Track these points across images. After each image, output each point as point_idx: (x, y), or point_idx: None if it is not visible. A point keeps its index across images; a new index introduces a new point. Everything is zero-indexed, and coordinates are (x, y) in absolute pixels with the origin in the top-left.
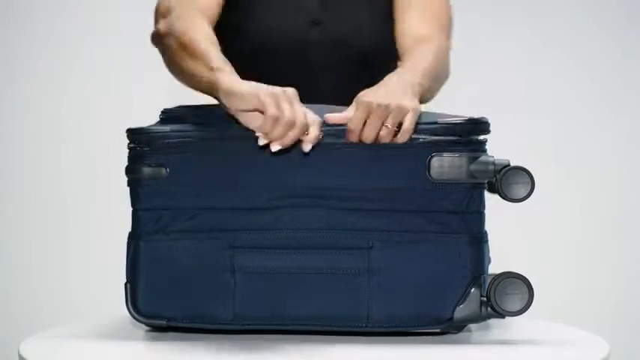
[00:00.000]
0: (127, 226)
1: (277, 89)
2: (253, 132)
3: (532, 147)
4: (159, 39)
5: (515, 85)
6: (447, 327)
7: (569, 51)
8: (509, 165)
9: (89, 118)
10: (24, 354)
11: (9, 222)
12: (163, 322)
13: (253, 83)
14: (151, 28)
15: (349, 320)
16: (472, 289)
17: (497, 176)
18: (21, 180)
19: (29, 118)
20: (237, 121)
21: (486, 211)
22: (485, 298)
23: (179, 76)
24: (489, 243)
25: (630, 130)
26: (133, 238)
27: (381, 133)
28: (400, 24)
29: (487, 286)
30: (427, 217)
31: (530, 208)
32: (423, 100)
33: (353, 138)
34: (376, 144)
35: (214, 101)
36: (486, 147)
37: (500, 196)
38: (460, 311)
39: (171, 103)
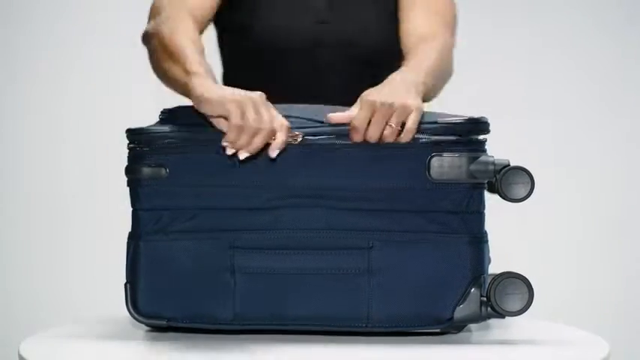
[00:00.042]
0: (127, 226)
1: (244, 95)
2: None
3: (532, 147)
4: (147, 39)
5: (515, 85)
6: (447, 327)
7: (569, 51)
8: (509, 165)
9: (89, 118)
10: (24, 354)
11: (9, 222)
12: (163, 322)
13: (224, 89)
14: None
15: (349, 320)
16: (472, 289)
17: (497, 176)
18: (21, 180)
19: (29, 118)
20: None
21: (486, 211)
22: (485, 298)
23: (161, 78)
24: (489, 243)
25: (630, 130)
26: (133, 239)
27: (385, 132)
28: (405, 24)
29: (487, 286)
30: (427, 217)
31: (530, 208)
32: (426, 99)
33: (357, 137)
34: (376, 144)
35: None
36: (486, 147)
37: (500, 196)
38: (460, 311)
39: (171, 103)
